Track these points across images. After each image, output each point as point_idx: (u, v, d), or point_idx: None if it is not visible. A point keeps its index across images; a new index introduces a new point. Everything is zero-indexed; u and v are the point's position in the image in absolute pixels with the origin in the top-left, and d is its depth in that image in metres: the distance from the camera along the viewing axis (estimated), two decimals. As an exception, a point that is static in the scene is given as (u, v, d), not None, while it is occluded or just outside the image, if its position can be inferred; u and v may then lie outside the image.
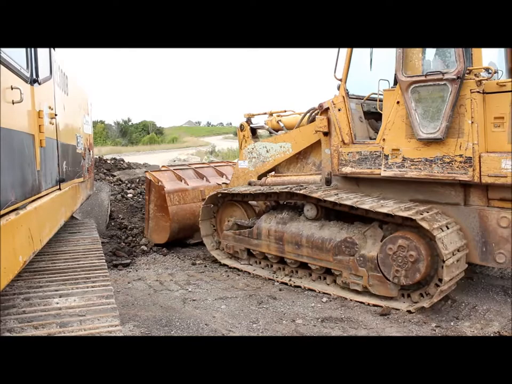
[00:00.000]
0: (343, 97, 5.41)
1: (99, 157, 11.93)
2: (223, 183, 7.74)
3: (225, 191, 6.41)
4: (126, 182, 10.14)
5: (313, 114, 6.06)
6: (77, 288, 2.42)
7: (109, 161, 11.75)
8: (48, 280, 2.56)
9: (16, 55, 2.13)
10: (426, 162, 4.66)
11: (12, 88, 1.98)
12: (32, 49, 2.40)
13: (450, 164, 4.51)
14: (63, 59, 3.72)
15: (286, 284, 5.61)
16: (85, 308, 2.18)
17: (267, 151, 6.58)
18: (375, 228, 4.95)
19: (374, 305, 4.74)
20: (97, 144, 35.50)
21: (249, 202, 6.55)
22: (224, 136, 62.62)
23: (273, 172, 6.73)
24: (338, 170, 5.48)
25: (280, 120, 6.81)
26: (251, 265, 6.24)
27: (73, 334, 2.01)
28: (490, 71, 4.40)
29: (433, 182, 4.76)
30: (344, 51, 5.41)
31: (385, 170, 4.95)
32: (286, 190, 5.61)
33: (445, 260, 4.21)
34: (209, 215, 6.78)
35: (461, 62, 4.30)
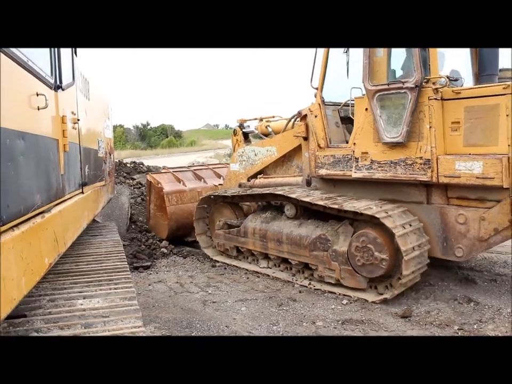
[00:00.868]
0: (319, 104, 5.84)
1: (119, 160, 12.08)
2: (219, 184, 8.17)
3: (216, 193, 6.94)
4: (146, 185, 10.26)
5: (295, 120, 6.48)
6: (100, 290, 2.46)
7: (128, 165, 11.90)
8: (72, 282, 2.61)
9: (41, 62, 2.19)
10: (391, 164, 5.04)
11: (37, 95, 2.03)
12: (56, 55, 2.46)
13: (412, 166, 4.87)
14: (85, 65, 3.80)
15: (268, 275, 6.15)
16: (109, 309, 2.21)
17: (255, 155, 7.06)
18: (346, 226, 5.33)
19: (344, 295, 5.17)
20: (117, 148, 35.95)
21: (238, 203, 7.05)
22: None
23: (262, 174, 7.13)
24: (315, 172, 5.91)
25: (268, 125, 7.31)
26: (240, 260, 6.74)
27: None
28: (444, 80, 4.67)
29: (398, 182, 5.12)
30: (319, 61, 5.84)
31: (355, 172, 5.37)
32: (266, 191, 6.14)
33: (404, 255, 4.56)
34: (203, 215, 7.29)
35: (418, 72, 4.65)
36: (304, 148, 6.18)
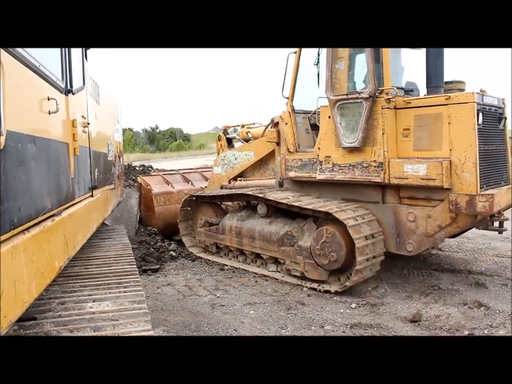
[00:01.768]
0: (289, 112, 6.35)
1: (128, 164, 12.14)
2: (205, 186, 8.56)
3: (196, 194, 7.43)
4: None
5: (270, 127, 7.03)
6: (110, 293, 2.47)
7: (137, 168, 11.95)
8: (82, 285, 2.62)
9: (52, 67, 2.21)
10: (350, 167, 5.52)
11: (48, 99, 2.05)
12: (67, 60, 2.48)
13: (367, 168, 5.34)
14: (95, 68, 3.83)
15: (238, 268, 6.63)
16: (118, 312, 2.22)
17: (235, 159, 7.59)
18: (310, 223, 5.80)
19: (311, 288, 5.57)
20: (126, 151, 36.18)
21: (218, 203, 7.55)
22: (250, 142, 62.81)
23: (242, 177, 7.65)
24: (286, 174, 6.43)
25: (249, 132, 7.77)
26: (221, 257, 7.17)
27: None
28: (395, 91, 5.19)
29: (357, 183, 5.58)
30: (290, 73, 6.37)
31: (319, 174, 5.85)
32: (238, 191, 6.75)
33: (355, 243, 4.97)
34: (187, 217, 7.77)
35: (372, 83, 5.14)
36: (277, 152, 6.67)
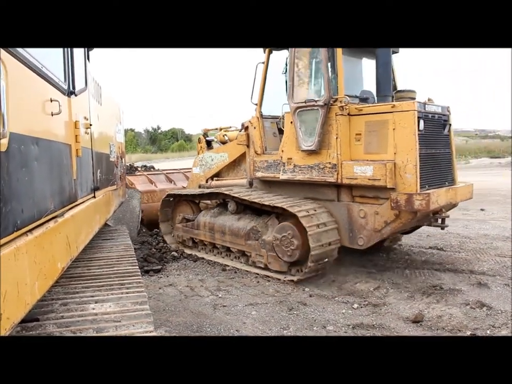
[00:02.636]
0: (258, 118, 6.91)
1: (130, 164, 12.14)
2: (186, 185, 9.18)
3: (173, 193, 8.02)
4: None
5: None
6: (112, 294, 2.47)
7: (139, 168, 11.96)
8: (84, 286, 2.62)
9: (55, 68, 2.21)
10: (309, 168, 6.06)
11: (51, 101, 2.05)
12: (70, 61, 2.48)
13: (323, 169, 5.88)
14: (97, 69, 3.84)
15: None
16: (120, 313, 2.22)
17: (212, 160, 8.21)
18: (273, 219, 6.37)
19: (276, 278, 6.09)
20: (128, 152, 36.23)
21: (195, 201, 8.11)
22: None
23: (218, 176, 8.24)
24: (254, 175, 6.99)
25: (225, 135, 8.42)
26: (199, 251, 7.63)
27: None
28: (346, 99, 5.66)
29: (315, 183, 6.11)
30: (259, 81, 6.94)
31: (282, 175, 6.41)
32: (209, 191, 7.38)
33: (307, 231, 5.51)
34: (167, 217, 8.30)
35: (326, 92, 5.71)
36: (247, 154, 7.23)
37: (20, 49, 1.77)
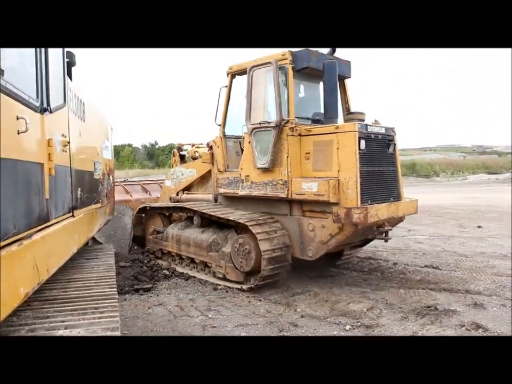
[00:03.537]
0: (221, 138, 7.40)
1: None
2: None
3: (142, 206, 8.53)
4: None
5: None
6: (83, 320, 2.35)
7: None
8: (57, 309, 2.51)
9: (24, 85, 2.13)
10: (264, 185, 6.50)
11: (17, 118, 1.97)
12: (44, 78, 2.41)
13: (276, 186, 6.32)
14: (81, 86, 3.77)
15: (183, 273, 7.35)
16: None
17: (182, 174, 8.65)
18: (232, 232, 6.80)
19: (231, 288, 6.49)
20: (125, 167, 36.27)
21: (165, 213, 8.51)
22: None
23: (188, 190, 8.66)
24: (217, 190, 7.44)
25: (197, 151, 8.77)
26: (170, 262, 7.89)
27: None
28: (295, 121, 6.13)
29: (270, 198, 6.52)
30: (222, 103, 7.38)
31: (241, 191, 6.84)
32: (173, 205, 7.92)
33: (257, 237, 5.97)
34: (140, 229, 8.78)
35: (278, 115, 6.15)
36: (212, 171, 7.71)
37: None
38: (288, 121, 6.16)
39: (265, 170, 6.40)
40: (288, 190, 6.13)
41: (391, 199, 6.13)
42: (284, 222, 6.46)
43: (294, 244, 6.32)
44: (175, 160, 9.41)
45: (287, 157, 6.14)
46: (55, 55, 2.65)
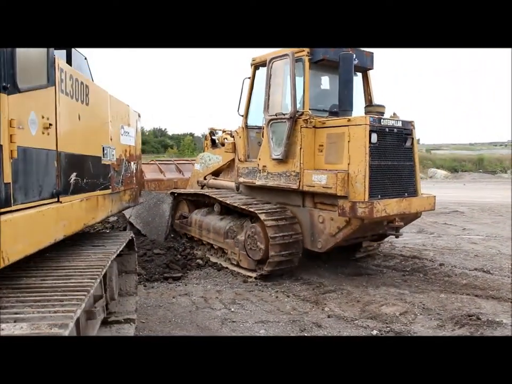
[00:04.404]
0: (243, 128, 7.54)
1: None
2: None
3: (170, 192, 8.72)
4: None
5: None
6: (38, 312, 2.20)
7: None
8: (19, 299, 2.38)
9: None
10: (278, 175, 6.59)
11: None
12: (5, 57, 2.27)
13: (289, 177, 6.37)
14: (85, 70, 3.66)
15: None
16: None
17: (209, 160, 8.92)
18: (248, 221, 6.92)
19: (244, 275, 6.64)
20: (185, 155, 37.39)
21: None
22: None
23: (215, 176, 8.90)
24: (238, 180, 7.63)
25: (226, 138, 8.74)
26: (205, 252, 7.83)
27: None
28: (310, 114, 6.19)
29: (284, 189, 6.58)
30: (245, 94, 7.52)
31: (258, 180, 6.99)
32: (193, 192, 8.31)
33: (266, 224, 6.16)
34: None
35: (292, 107, 6.19)
36: (235, 160, 7.83)
37: None
38: (302, 113, 6.18)
39: (280, 161, 6.47)
40: (299, 182, 6.18)
41: (406, 194, 5.99)
42: (296, 213, 6.55)
43: (306, 234, 6.38)
44: (206, 144, 9.48)
45: (300, 148, 6.16)
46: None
